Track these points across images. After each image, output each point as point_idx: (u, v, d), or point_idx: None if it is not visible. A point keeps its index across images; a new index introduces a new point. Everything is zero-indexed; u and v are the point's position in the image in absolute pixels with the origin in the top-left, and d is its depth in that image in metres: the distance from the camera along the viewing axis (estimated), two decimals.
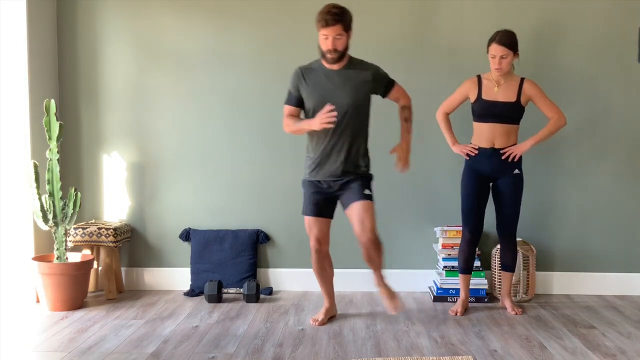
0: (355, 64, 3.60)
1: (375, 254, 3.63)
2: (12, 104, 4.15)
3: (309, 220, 3.71)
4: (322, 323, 3.73)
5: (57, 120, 4.07)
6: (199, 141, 4.48)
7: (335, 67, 3.55)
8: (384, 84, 3.65)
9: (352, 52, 3.62)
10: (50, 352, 3.24)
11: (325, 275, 3.82)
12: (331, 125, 3.45)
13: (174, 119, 4.49)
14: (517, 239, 4.28)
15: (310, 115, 3.58)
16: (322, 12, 3.43)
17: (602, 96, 4.36)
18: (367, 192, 3.61)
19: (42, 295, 3.99)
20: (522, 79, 3.87)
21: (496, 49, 3.76)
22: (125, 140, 4.50)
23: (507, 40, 3.75)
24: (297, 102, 3.63)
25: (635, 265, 4.40)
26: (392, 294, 3.70)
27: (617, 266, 4.41)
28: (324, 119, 3.43)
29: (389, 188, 4.45)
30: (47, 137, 4.03)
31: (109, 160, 4.52)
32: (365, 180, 3.65)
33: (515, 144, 3.91)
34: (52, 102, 4.02)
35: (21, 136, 4.16)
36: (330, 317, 3.84)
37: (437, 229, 4.34)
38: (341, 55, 3.50)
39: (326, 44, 3.45)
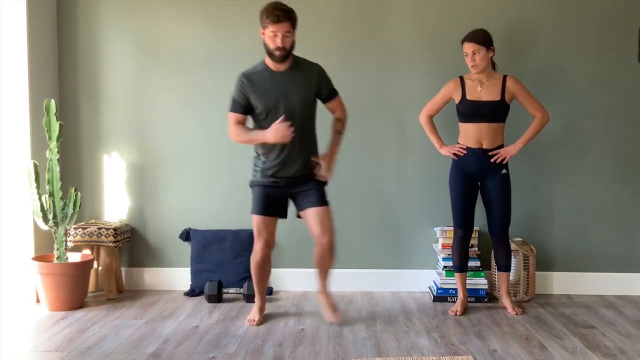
0: (300, 63, 3.60)
1: (328, 258, 3.67)
2: (12, 104, 4.15)
3: (259, 220, 3.64)
4: (259, 323, 3.71)
5: (57, 120, 4.07)
6: (199, 141, 4.48)
7: (281, 67, 3.53)
8: (327, 88, 3.66)
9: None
10: (50, 352, 3.24)
11: (265, 276, 3.81)
12: (287, 139, 3.45)
13: (174, 119, 4.49)
14: (517, 239, 4.29)
15: (261, 118, 3.56)
16: (270, 9, 3.41)
17: (602, 96, 4.36)
18: (326, 197, 3.68)
19: (42, 295, 3.99)
20: (505, 77, 3.89)
21: (467, 47, 3.81)
22: (125, 140, 4.50)
23: (476, 36, 3.79)
24: (244, 109, 3.58)
25: (635, 265, 4.41)
26: (333, 304, 3.76)
27: (617, 266, 4.41)
28: (280, 133, 3.42)
29: (389, 188, 4.45)
30: (47, 137, 4.03)
31: (109, 160, 4.52)
32: (323, 184, 3.69)
33: (502, 143, 3.92)
34: (52, 102, 4.02)
35: (21, 136, 4.16)
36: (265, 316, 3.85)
37: (437, 229, 4.34)
38: (288, 54, 3.49)
39: (275, 42, 3.43)
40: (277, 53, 3.46)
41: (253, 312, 3.79)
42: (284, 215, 3.72)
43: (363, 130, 4.43)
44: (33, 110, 4.18)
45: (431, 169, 4.39)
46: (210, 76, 4.45)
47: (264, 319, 3.79)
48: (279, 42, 3.43)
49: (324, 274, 3.76)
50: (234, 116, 3.60)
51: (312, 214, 3.62)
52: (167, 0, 4.43)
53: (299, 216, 3.75)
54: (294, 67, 3.58)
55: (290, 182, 3.62)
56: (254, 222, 3.66)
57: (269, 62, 3.54)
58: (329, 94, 3.67)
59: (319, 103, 3.72)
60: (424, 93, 4.25)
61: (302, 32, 4.48)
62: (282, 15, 3.39)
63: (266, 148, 3.59)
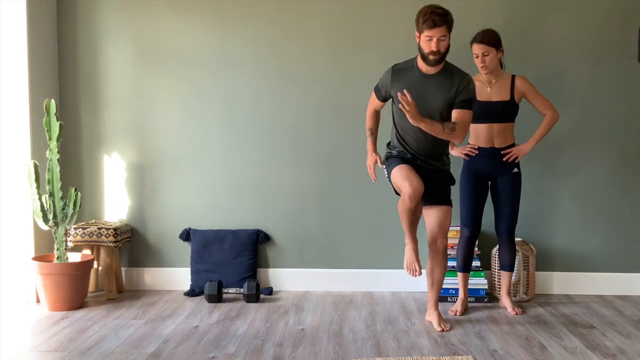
0: (450, 70, 3.50)
1: (439, 267, 3.67)
2: (12, 104, 4.15)
3: (401, 169, 3.49)
4: (420, 272, 3.58)
5: (57, 120, 4.07)
6: (199, 141, 4.48)
7: (431, 70, 3.46)
8: (463, 97, 3.47)
9: None
10: (50, 352, 3.24)
11: (416, 219, 3.65)
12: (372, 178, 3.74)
13: (174, 119, 4.49)
14: (517, 239, 4.28)
15: (398, 113, 3.56)
16: (426, 13, 3.33)
17: (602, 96, 4.36)
18: (449, 197, 3.66)
19: (42, 295, 3.99)
20: (513, 76, 3.90)
21: (477, 48, 3.82)
22: (125, 140, 4.50)
23: (486, 38, 3.79)
24: (383, 98, 3.67)
25: (635, 265, 4.40)
26: (441, 317, 3.69)
27: (617, 266, 4.41)
28: (369, 171, 3.72)
29: (389, 188, 4.45)
30: (47, 137, 4.03)
31: (109, 160, 4.52)
32: (449, 182, 3.70)
33: (514, 142, 3.93)
34: (52, 102, 4.02)
35: (21, 136, 4.16)
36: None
37: None
38: (442, 58, 3.41)
39: (429, 46, 3.36)
40: (431, 57, 3.39)
41: (410, 259, 3.60)
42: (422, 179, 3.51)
43: (362, 130, 4.42)
44: (33, 110, 4.18)
45: None
46: (210, 76, 4.45)
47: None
48: (433, 47, 3.36)
49: (433, 285, 3.70)
50: (373, 97, 3.73)
51: (433, 211, 3.62)
52: (168, 1, 4.43)
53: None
54: (443, 72, 3.48)
55: (422, 162, 3.60)
56: (397, 175, 3.49)
57: (421, 63, 3.48)
58: (461, 102, 3.47)
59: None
60: None
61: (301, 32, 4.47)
62: (439, 20, 3.31)
63: (395, 140, 3.68)
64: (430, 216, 3.64)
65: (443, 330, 3.58)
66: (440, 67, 3.48)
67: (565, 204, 4.41)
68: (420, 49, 3.43)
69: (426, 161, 3.61)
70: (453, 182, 3.74)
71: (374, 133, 3.78)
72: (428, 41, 3.36)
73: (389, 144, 3.76)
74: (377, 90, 3.67)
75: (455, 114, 3.48)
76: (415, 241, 3.64)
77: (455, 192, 4.07)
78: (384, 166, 3.69)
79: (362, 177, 4.43)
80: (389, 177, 3.64)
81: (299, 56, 4.43)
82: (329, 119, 4.45)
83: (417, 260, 3.59)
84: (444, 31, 3.35)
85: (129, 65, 4.47)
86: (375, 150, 3.74)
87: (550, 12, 4.33)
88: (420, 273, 3.58)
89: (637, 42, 4.29)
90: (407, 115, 3.34)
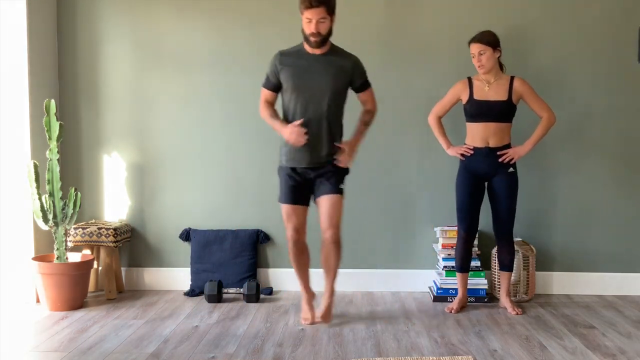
0: (337, 51, 3.59)
1: (334, 256, 3.65)
2: (12, 104, 4.15)
3: (287, 209, 3.64)
4: (313, 321, 3.67)
5: (57, 120, 4.07)
6: (198, 141, 4.48)
7: (317, 51, 3.53)
8: (361, 79, 3.65)
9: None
10: (50, 352, 3.24)
11: (303, 264, 3.75)
12: (299, 144, 3.49)
13: (174, 119, 4.49)
14: (517, 239, 4.29)
15: (288, 97, 3.57)
16: None
17: (602, 96, 4.36)
18: (341, 186, 3.65)
19: (42, 295, 3.99)
20: (512, 77, 3.91)
21: (473, 47, 3.86)
22: (125, 140, 4.50)
23: (482, 37, 3.84)
24: (275, 87, 3.61)
25: (635, 265, 4.41)
26: (330, 308, 3.72)
27: (617, 266, 4.41)
28: (294, 136, 3.46)
29: (389, 188, 4.45)
30: (47, 137, 4.03)
31: (109, 160, 4.52)
32: (341, 173, 3.65)
33: (509, 142, 3.94)
34: (52, 102, 4.02)
35: (21, 136, 4.16)
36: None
37: (437, 229, 4.34)
38: (324, 39, 3.47)
39: (309, 27, 3.42)
40: (312, 39, 3.45)
41: (304, 309, 3.75)
42: (307, 203, 3.69)
43: None
44: (33, 110, 4.18)
45: (431, 169, 4.39)
46: (210, 76, 4.45)
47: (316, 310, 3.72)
48: (313, 28, 3.41)
49: (331, 273, 3.71)
50: (265, 92, 3.65)
51: (322, 203, 3.61)
52: (167, 1, 4.42)
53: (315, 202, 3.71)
54: (331, 53, 3.56)
55: (309, 171, 3.60)
56: (282, 210, 3.66)
57: (307, 45, 3.54)
58: (362, 84, 3.66)
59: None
60: (427, 95, 4.26)
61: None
62: (315, 1, 3.35)
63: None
64: (319, 206, 3.63)
65: (313, 322, 3.66)
66: (327, 48, 3.54)
67: (566, 204, 4.41)
68: (302, 31, 3.48)
69: (317, 162, 3.57)
70: (347, 171, 3.69)
71: (275, 114, 3.64)
72: (308, 23, 3.42)
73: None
74: (266, 81, 3.62)
75: (363, 96, 3.70)
76: (309, 293, 3.75)
77: (451, 192, 4.10)
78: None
79: (361, 176, 4.44)
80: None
81: None
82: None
83: (312, 309, 3.71)
84: (322, 12, 3.39)
85: (129, 65, 4.47)
86: (282, 122, 3.59)
87: (550, 12, 4.33)
88: (313, 321, 3.66)
89: (637, 42, 4.29)
90: (346, 162, 3.60)
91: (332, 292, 3.74)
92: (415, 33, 4.38)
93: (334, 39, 3.59)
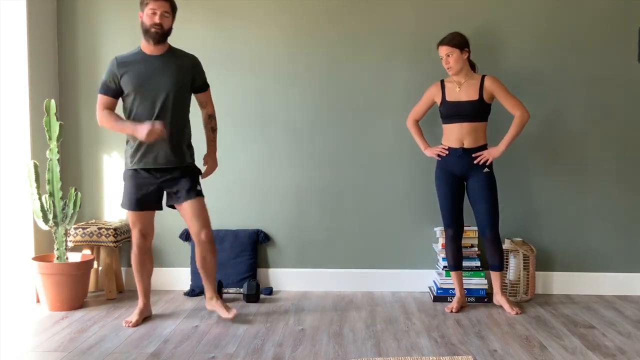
0: (176, 52, 3.65)
1: (211, 256, 3.71)
2: (12, 104, 4.15)
3: (132, 215, 3.64)
4: (136, 324, 3.65)
5: (57, 120, 4.06)
6: (198, 141, 4.47)
7: (156, 51, 3.57)
8: (201, 79, 3.71)
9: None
10: (50, 352, 3.24)
11: (145, 271, 3.78)
12: (162, 136, 3.44)
13: None
14: (517, 239, 4.29)
15: (130, 101, 3.54)
16: None
17: (602, 96, 4.36)
18: (199, 187, 3.69)
19: (42, 295, 3.99)
20: (484, 76, 3.94)
21: (441, 50, 3.92)
22: (125, 140, 4.49)
23: (449, 39, 3.89)
24: (113, 92, 3.55)
25: (635, 265, 4.40)
26: (225, 303, 3.79)
27: (617, 266, 4.41)
28: (153, 136, 3.40)
29: (388, 188, 4.45)
30: (47, 137, 4.03)
31: (109, 160, 4.52)
32: (195, 174, 3.69)
33: (485, 142, 3.96)
34: (52, 102, 4.02)
35: (21, 136, 4.16)
36: (145, 318, 3.78)
37: (437, 229, 4.34)
38: (165, 35, 3.53)
39: (152, 18, 3.47)
40: (154, 30, 3.48)
41: (134, 312, 3.75)
42: (158, 207, 3.71)
43: (362, 130, 4.43)
44: (33, 110, 4.19)
45: (430, 169, 4.38)
46: (210, 76, 4.42)
47: (143, 321, 3.74)
48: (157, 19, 3.47)
49: (210, 278, 3.77)
50: (102, 99, 3.56)
51: (186, 209, 3.63)
52: None
53: (171, 206, 3.73)
54: (169, 53, 3.61)
55: (158, 173, 3.59)
56: (129, 217, 3.67)
57: (145, 47, 3.58)
58: (202, 85, 3.72)
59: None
60: (420, 94, 4.26)
61: (302, 30, 4.49)
62: None
63: (139, 147, 3.57)
64: (184, 211, 3.65)
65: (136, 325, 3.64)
66: (166, 49, 3.60)
67: (565, 204, 4.41)
68: (143, 25, 3.52)
69: (167, 163, 3.57)
70: (200, 171, 3.76)
71: (120, 117, 3.57)
72: (152, 14, 3.47)
73: (127, 144, 3.63)
74: (105, 87, 3.55)
75: (203, 97, 3.75)
76: (144, 299, 3.77)
77: (432, 193, 4.10)
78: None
79: (362, 177, 4.44)
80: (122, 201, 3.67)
81: (299, 56, 4.43)
82: (329, 119, 4.45)
83: (140, 317, 3.70)
84: (167, 7, 3.50)
85: None
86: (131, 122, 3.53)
87: (550, 12, 4.33)
88: (133, 325, 3.63)
89: (637, 42, 4.29)
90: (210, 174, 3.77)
91: (215, 295, 3.81)
92: (393, 37, 4.38)
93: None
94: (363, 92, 4.42)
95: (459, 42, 3.88)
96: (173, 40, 4.43)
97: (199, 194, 3.67)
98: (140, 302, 3.78)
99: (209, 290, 3.80)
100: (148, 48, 3.58)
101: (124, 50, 4.43)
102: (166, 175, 3.61)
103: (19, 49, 4.13)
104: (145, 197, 3.62)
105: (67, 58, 4.49)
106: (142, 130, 3.41)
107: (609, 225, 4.40)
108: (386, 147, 4.44)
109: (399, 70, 4.40)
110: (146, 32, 3.52)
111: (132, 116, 3.57)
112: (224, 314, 3.71)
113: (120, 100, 3.62)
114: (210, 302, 3.82)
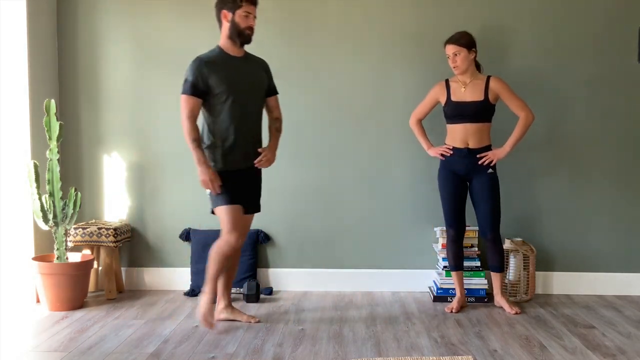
0: (248, 54, 3.66)
1: (234, 266, 3.81)
2: (12, 104, 4.15)
3: (232, 211, 3.51)
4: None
5: (57, 120, 4.07)
6: None
7: (238, 53, 3.58)
8: (272, 82, 3.73)
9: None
10: (50, 352, 3.24)
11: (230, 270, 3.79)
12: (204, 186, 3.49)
13: (174, 119, 4.45)
14: (517, 239, 4.29)
15: (221, 101, 3.47)
16: None
17: (602, 96, 4.36)
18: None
19: (42, 295, 3.99)
20: (489, 77, 3.94)
21: (448, 48, 3.91)
22: (125, 140, 4.50)
23: (457, 38, 3.87)
24: (201, 93, 3.47)
25: (635, 265, 4.40)
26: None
27: (617, 266, 4.41)
28: (206, 185, 3.46)
29: (389, 188, 4.45)
30: (47, 137, 4.03)
31: (109, 160, 4.52)
32: (260, 184, 3.76)
33: (489, 142, 3.95)
34: (52, 102, 4.02)
35: (21, 136, 4.16)
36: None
37: (437, 229, 4.34)
38: (251, 38, 3.56)
39: (248, 22, 3.48)
40: (247, 33, 3.51)
41: (206, 312, 3.55)
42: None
43: (363, 130, 4.43)
44: (33, 110, 4.18)
45: (431, 169, 4.38)
46: None
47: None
48: (252, 22, 3.50)
49: (230, 283, 3.82)
50: (190, 100, 3.46)
51: (247, 220, 3.68)
52: (168, 1, 4.43)
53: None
54: (247, 55, 3.64)
55: (245, 169, 3.62)
56: (225, 215, 3.51)
57: (227, 47, 3.56)
58: (273, 88, 3.73)
59: None
60: (422, 97, 4.26)
61: (297, 32, 4.48)
62: None
63: (219, 127, 3.52)
64: (246, 220, 3.66)
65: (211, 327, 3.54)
66: (244, 52, 3.62)
67: (565, 204, 4.41)
68: (235, 26, 3.48)
69: (249, 165, 3.60)
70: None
71: (200, 141, 3.52)
72: (245, 17, 3.48)
73: (207, 147, 3.56)
74: (192, 87, 3.45)
75: (274, 100, 3.73)
76: (214, 292, 3.62)
77: (433, 193, 4.11)
78: (208, 192, 3.57)
79: (362, 177, 4.44)
80: (213, 206, 3.59)
81: (299, 56, 4.43)
82: (329, 119, 4.45)
83: (213, 313, 3.58)
84: (255, 11, 3.55)
85: (129, 65, 4.47)
86: (207, 163, 3.50)
87: (550, 13, 4.33)
88: (214, 327, 3.53)
89: (637, 42, 4.29)
90: (265, 163, 3.63)
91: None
92: (398, 35, 4.38)
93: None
94: (363, 92, 4.42)
95: (467, 41, 3.86)
96: (173, 41, 4.45)
97: (259, 209, 3.77)
98: (211, 295, 3.59)
99: (227, 297, 3.78)
100: (232, 49, 3.55)
101: (123, 50, 4.46)
102: (247, 175, 3.65)
103: (19, 49, 4.13)
104: (240, 194, 3.59)
105: (67, 58, 4.49)
106: (204, 177, 3.45)
107: (609, 225, 4.40)
108: (386, 147, 4.44)
109: (399, 70, 4.40)
110: (239, 34, 3.50)
111: (220, 117, 3.50)
112: (246, 318, 3.73)
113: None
114: (227, 310, 3.76)
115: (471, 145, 3.91)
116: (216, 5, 3.57)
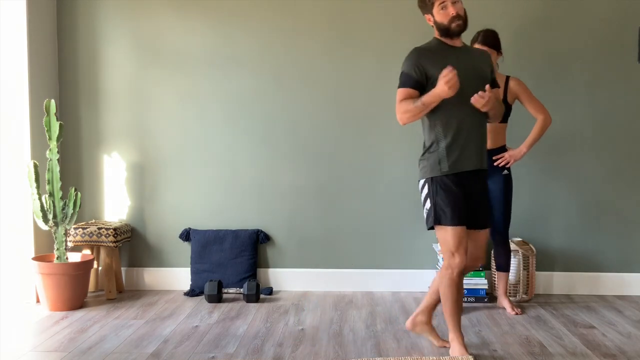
0: (468, 46, 3.29)
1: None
2: (12, 104, 4.15)
3: (458, 232, 3.01)
4: None
5: (57, 120, 4.07)
6: (199, 141, 4.48)
7: (457, 43, 3.13)
8: (493, 74, 3.23)
9: None
10: (50, 352, 3.24)
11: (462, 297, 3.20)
12: (453, 91, 2.89)
13: (174, 119, 4.49)
14: (517, 239, 4.29)
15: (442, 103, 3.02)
16: None
17: (602, 96, 4.36)
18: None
19: (42, 295, 3.99)
20: (508, 77, 3.91)
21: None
22: (125, 140, 4.50)
23: (489, 39, 3.82)
24: (418, 84, 3.04)
25: (635, 265, 4.40)
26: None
27: (617, 266, 4.41)
28: (450, 83, 2.87)
29: (389, 188, 4.45)
30: (47, 137, 4.03)
31: (109, 160, 4.52)
32: (487, 192, 3.24)
33: (505, 143, 3.94)
34: (52, 102, 4.02)
35: (21, 136, 4.16)
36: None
37: None
38: (465, 22, 3.08)
39: (448, 12, 3.03)
40: (455, 23, 3.04)
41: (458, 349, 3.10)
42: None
43: (362, 130, 4.43)
44: (33, 110, 4.18)
45: None
46: (210, 76, 4.45)
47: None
48: (452, 11, 3.03)
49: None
50: (406, 92, 3.05)
51: (479, 237, 3.18)
52: (168, 1, 4.43)
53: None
54: (465, 45, 3.20)
55: (472, 177, 3.11)
56: (450, 236, 3.02)
57: (444, 39, 3.13)
58: (494, 80, 3.21)
59: None
60: None
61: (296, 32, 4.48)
62: None
63: (441, 123, 3.06)
64: (476, 240, 3.18)
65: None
66: (461, 41, 3.18)
67: (565, 204, 4.41)
68: (439, 25, 3.09)
69: (481, 165, 3.13)
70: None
71: (415, 101, 3.04)
72: (442, 9, 3.05)
73: (427, 151, 3.13)
74: (409, 80, 3.06)
75: (496, 93, 3.17)
76: (461, 333, 3.13)
77: None
78: (425, 190, 3.12)
79: (362, 176, 4.44)
80: (431, 216, 3.08)
81: (299, 56, 4.43)
82: (328, 119, 4.45)
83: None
84: None
85: (129, 65, 4.47)
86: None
87: (550, 13, 4.33)
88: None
89: (637, 42, 4.29)
90: (479, 105, 2.97)
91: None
92: (407, 32, 4.38)
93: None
94: (363, 92, 4.42)
95: (496, 42, 3.79)
96: (173, 41, 4.45)
97: (490, 224, 3.27)
98: (461, 338, 3.13)
99: (429, 313, 3.35)
100: (449, 40, 3.11)
101: (123, 50, 4.46)
102: (476, 180, 3.13)
103: (19, 49, 4.13)
104: (464, 209, 3.07)
105: (67, 58, 4.49)
106: (441, 86, 2.90)
107: (609, 225, 4.40)
108: (386, 147, 4.44)
109: (399, 70, 4.39)
110: (447, 32, 3.07)
111: (441, 111, 3.04)
112: (441, 343, 3.31)
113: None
114: (425, 327, 3.36)
115: (488, 146, 3.85)
116: (420, 9, 3.21)
